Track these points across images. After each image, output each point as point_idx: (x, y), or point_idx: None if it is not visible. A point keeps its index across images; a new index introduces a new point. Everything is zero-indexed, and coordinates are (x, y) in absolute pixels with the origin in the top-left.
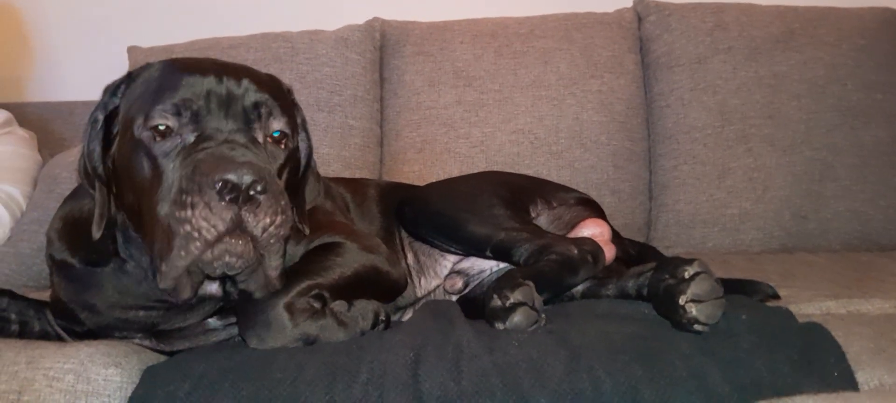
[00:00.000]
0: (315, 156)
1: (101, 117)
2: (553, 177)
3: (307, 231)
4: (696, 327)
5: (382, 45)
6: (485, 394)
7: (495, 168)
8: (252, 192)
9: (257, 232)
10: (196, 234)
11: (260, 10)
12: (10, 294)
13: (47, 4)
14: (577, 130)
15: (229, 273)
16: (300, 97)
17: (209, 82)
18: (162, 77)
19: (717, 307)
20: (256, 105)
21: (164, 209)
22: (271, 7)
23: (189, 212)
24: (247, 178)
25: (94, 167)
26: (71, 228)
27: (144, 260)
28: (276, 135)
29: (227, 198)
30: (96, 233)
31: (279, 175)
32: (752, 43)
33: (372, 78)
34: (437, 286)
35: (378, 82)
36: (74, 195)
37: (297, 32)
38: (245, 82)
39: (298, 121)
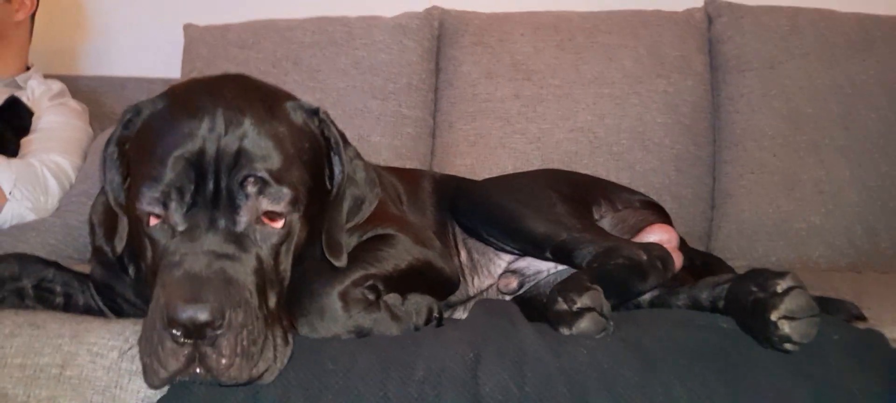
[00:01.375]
0: (364, 148)
1: (115, 150)
2: (612, 178)
3: (339, 262)
4: (787, 346)
5: (440, 34)
6: (549, 400)
7: (552, 166)
8: (207, 330)
9: (215, 367)
10: (161, 364)
11: None
12: (56, 265)
13: None
14: (639, 131)
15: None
16: (355, 83)
17: (198, 155)
18: (159, 129)
19: (812, 326)
20: (243, 186)
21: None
22: None
23: (156, 344)
24: (201, 317)
25: (116, 198)
26: (109, 216)
27: None
28: (275, 209)
29: (182, 338)
30: (118, 249)
31: (277, 250)
32: (828, 49)
33: (428, 67)
34: (491, 285)
35: (433, 72)
36: None
37: (354, 17)
38: (240, 151)
39: (331, 143)
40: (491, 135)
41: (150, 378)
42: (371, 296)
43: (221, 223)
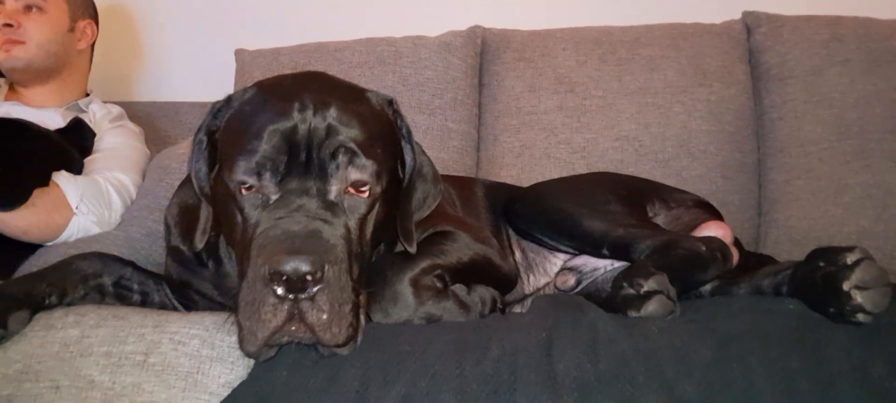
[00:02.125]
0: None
1: (204, 139)
2: None
3: (412, 249)
4: (859, 317)
5: (483, 50)
6: (625, 379)
7: None
8: (308, 280)
9: (314, 322)
10: (261, 323)
11: (364, 15)
12: (132, 265)
13: (158, 6)
14: (684, 139)
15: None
16: (402, 99)
17: (292, 129)
18: (252, 112)
19: (885, 295)
20: (335, 157)
21: (246, 276)
22: (376, 13)
23: (256, 304)
24: (303, 268)
25: (202, 187)
26: (185, 216)
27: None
28: (361, 180)
29: (282, 291)
30: (199, 245)
31: (363, 222)
32: (870, 55)
33: (472, 83)
34: (547, 283)
35: (477, 87)
36: (188, 182)
37: (400, 37)
38: (329, 126)
39: (402, 133)
40: (535, 146)
41: (249, 342)
42: (439, 285)
43: (314, 191)
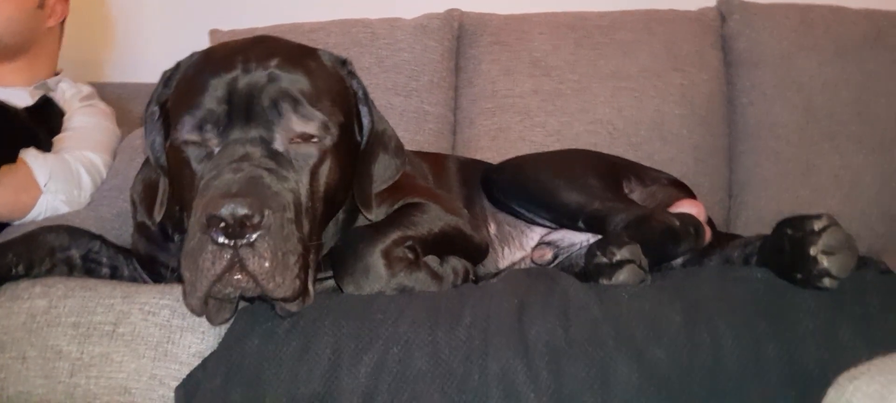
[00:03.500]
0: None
1: (156, 109)
2: None
3: (371, 216)
4: (826, 281)
5: (459, 34)
6: (595, 343)
7: None
8: (247, 224)
9: (256, 270)
10: (201, 272)
11: None
12: (101, 239)
13: None
14: (657, 122)
15: (246, 297)
16: (378, 81)
17: (233, 80)
18: (196, 73)
19: (850, 259)
20: (276, 105)
21: (188, 234)
22: None
23: (196, 253)
24: (240, 211)
25: (157, 158)
26: (149, 192)
27: None
28: (307, 129)
29: (221, 238)
30: (157, 217)
31: (313, 175)
32: (839, 41)
33: (448, 65)
34: (523, 258)
35: (453, 70)
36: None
37: (376, 19)
38: (271, 73)
39: (358, 94)
40: (511, 130)
41: (190, 294)
42: (411, 256)
43: (257, 140)
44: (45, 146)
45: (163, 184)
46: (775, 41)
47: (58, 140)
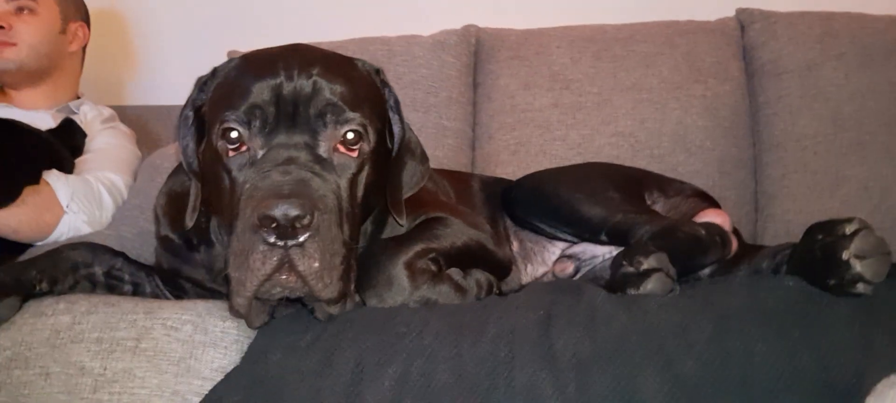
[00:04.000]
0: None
1: (190, 114)
2: None
3: (402, 221)
4: (860, 287)
5: (477, 50)
6: (624, 355)
7: None
8: (297, 225)
9: (305, 270)
10: (251, 272)
11: (358, 16)
12: (123, 256)
13: (151, 10)
14: (680, 134)
15: (291, 297)
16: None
17: (278, 85)
18: (238, 76)
19: (884, 264)
20: (322, 113)
21: (235, 229)
22: (370, 14)
23: (246, 253)
24: (292, 212)
25: (190, 163)
26: (173, 204)
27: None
28: (346, 139)
29: (272, 238)
30: (188, 223)
31: (353, 181)
32: (864, 50)
33: (466, 81)
34: (545, 273)
35: (472, 85)
36: (177, 171)
37: (394, 37)
38: (315, 81)
39: (389, 103)
40: (531, 143)
41: (239, 293)
42: (434, 268)
43: (302, 145)
44: (68, 166)
45: (195, 188)
46: (799, 51)
47: (80, 161)
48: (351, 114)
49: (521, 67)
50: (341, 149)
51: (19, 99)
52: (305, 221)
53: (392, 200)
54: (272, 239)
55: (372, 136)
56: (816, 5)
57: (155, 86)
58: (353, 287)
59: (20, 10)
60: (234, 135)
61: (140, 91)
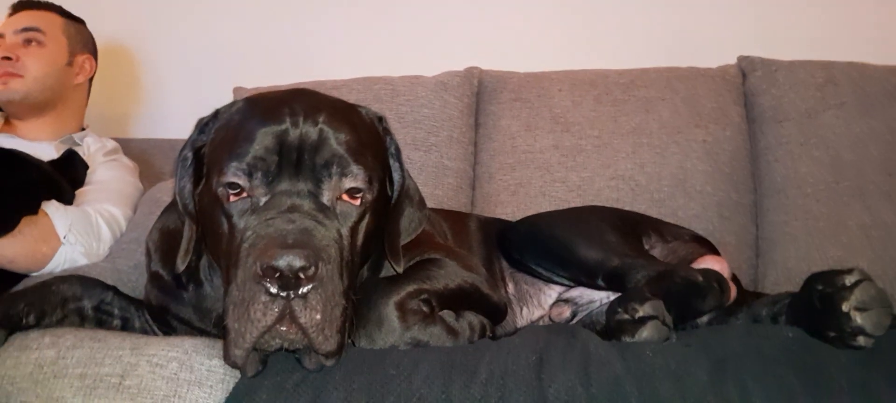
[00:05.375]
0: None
1: (190, 155)
2: None
3: (399, 269)
4: (860, 340)
5: (479, 91)
6: (618, 401)
7: None
8: (302, 276)
9: (307, 323)
10: (251, 322)
11: (362, 55)
12: (114, 290)
13: (158, 45)
14: (680, 178)
15: (288, 348)
16: (398, 136)
17: (283, 132)
18: (242, 120)
19: (885, 316)
20: (328, 163)
21: (235, 278)
22: (373, 53)
23: (246, 303)
24: (297, 263)
25: (186, 204)
26: (164, 241)
27: (222, 288)
28: (351, 187)
29: (275, 289)
30: (180, 266)
31: (354, 230)
32: (865, 98)
33: (468, 122)
34: (541, 316)
35: (473, 126)
36: (171, 207)
37: (398, 77)
38: (321, 130)
39: (390, 150)
40: (531, 185)
41: (237, 344)
42: (426, 309)
43: (305, 193)
44: (68, 198)
45: (189, 230)
46: (800, 98)
47: (80, 193)
48: (356, 167)
49: (522, 109)
50: (345, 197)
51: (24, 129)
52: (310, 272)
53: (390, 247)
54: (274, 290)
55: (374, 187)
56: (817, 54)
57: (161, 119)
58: (348, 338)
59: (28, 42)
60: (235, 184)
61: (145, 124)
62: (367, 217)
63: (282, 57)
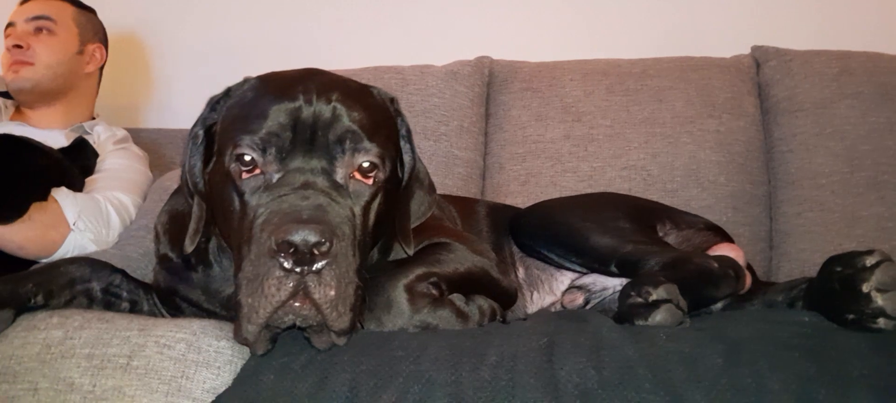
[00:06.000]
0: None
1: (201, 133)
2: None
3: (410, 250)
4: (881, 322)
5: (490, 81)
6: (630, 386)
7: None
8: (316, 252)
9: (321, 299)
10: (264, 298)
11: (372, 45)
12: (122, 273)
13: (169, 36)
14: (693, 169)
15: (300, 326)
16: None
17: (297, 109)
18: (254, 97)
19: None
20: (341, 139)
21: (248, 254)
22: (384, 43)
23: (260, 278)
24: (312, 238)
25: (195, 182)
26: (174, 223)
27: (231, 269)
28: (365, 165)
29: (289, 264)
30: (188, 247)
31: (366, 209)
32: (881, 89)
33: (478, 111)
34: (553, 302)
35: (483, 116)
36: (180, 191)
37: (408, 66)
38: (335, 108)
39: (402, 132)
40: (542, 175)
41: (250, 319)
42: (435, 293)
43: (318, 170)
44: (78, 184)
45: (198, 209)
46: (815, 89)
47: (90, 181)
48: (369, 144)
49: (533, 99)
50: (357, 176)
51: (34, 117)
52: (324, 248)
53: (400, 229)
54: (289, 266)
55: (387, 166)
56: (832, 44)
57: (170, 109)
58: (360, 317)
59: (39, 30)
60: (248, 158)
61: (156, 114)
62: (379, 196)
63: (292, 46)
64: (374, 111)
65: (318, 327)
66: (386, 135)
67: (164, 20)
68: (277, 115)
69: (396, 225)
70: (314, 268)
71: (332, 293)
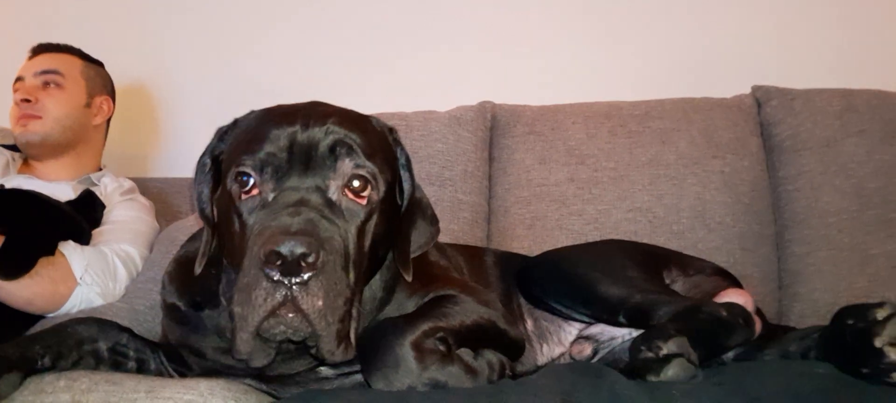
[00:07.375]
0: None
1: (208, 161)
2: None
3: (409, 277)
4: (894, 376)
5: (493, 125)
6: None
7: None
8: (303, 263)
9: (308, 308)
10: (253, 307)
11: (377, 91)
12: (129, 332)
13: (177, 86)
14: (699, 210)
15: (293, 339)
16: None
17: (294, 133)
18: (257, 125)
19: None
20: (332, 151)
21: (242, 266)
22: (387, 89)
23: (250, 288)
24: (298, 249)
25: (203, 208)
26: (182, 271)
27: None
28: (355, 185)
29: (277, 275)
30: (197, 269)
31: (361, 229)
32: (887, 126)
33: (482, 155)
34: (562, 353)
35: (487, 160)
36: (192, 239)
37: (412, 112)
38: (330, 128)
39: (401, 161)
40: (547, 218)
41: (242, 328)
42: (443, 348)
43: (312, 188)
44: (86, 237)
45: (206, 234)
46: (819, 127)
47: (97, 233)
48: (361, 159)
49: (536, 142)
50: (349, 194)
51: (42, 170)
52: (310, 259)
53: (400, 255)
54: (277, 276)
55: (381, 186)
56: (833, 82)
57: (177, 159)
58: (354, 333)
59: (47, 84)
60: (247, 178)
61: (163, 163)
62: (375, 217)
63: (299, 95)
64: (371, 135)
65: (312, 338)
66: (382, 158)
67: (171, 71)
68: (276, 139)
69: (396, 251)
70: (302, 279)
71: (320, 303)
